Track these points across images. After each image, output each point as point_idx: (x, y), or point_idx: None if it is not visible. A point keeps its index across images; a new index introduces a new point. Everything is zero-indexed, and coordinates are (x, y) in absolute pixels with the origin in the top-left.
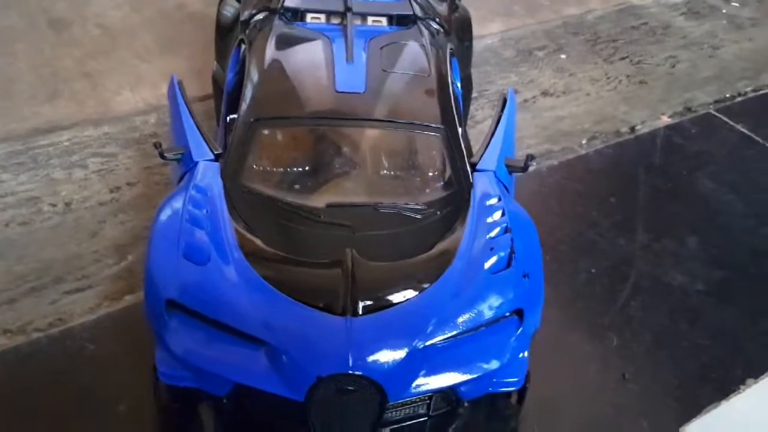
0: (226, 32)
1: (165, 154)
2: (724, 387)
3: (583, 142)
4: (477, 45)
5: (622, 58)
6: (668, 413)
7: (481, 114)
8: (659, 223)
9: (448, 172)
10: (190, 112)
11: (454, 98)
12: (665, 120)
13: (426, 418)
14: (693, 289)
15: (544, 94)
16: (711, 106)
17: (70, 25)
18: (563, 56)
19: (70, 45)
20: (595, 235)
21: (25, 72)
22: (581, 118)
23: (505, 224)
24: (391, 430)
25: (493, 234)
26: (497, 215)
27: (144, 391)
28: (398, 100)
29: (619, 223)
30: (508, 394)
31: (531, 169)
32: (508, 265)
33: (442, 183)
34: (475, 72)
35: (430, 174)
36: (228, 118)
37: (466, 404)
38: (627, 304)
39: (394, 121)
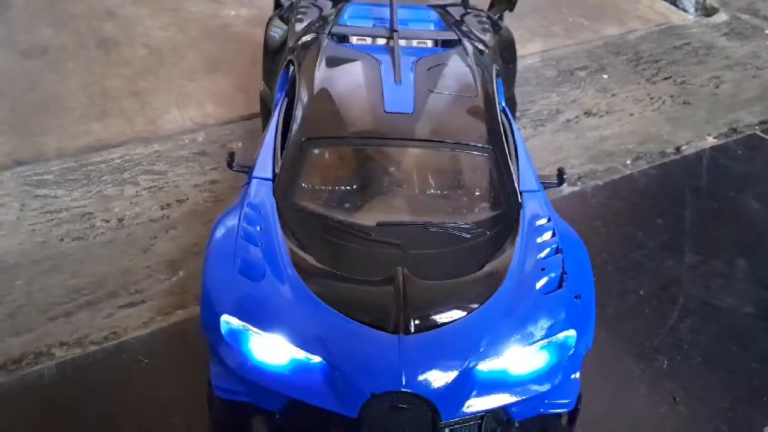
0: (273, 53)
1: (233, 166)
2: None
3: (628, 162)
4: (518, 65)
5: (665, 78)
6: None
7: (523, 133)
8: (707, 244)
9: (497, 192)
10: (276, 130)
11: (501, 118)
12: (710, 141)
13: None
14: (742, 312)
15: (587, 114)
16: (756, 127)
17: (118, 45)
18: (605, 76)
19: (118, 64)
20: (642, 257)
21: (76, 91)
22: (625, 138)
23: (555, 245)
24: None
25: (543, 254)
26: (547, 236)
27: (197, 404)
28: (446, 121)
29: (666, 245)
30: (560, 415)
31: (564, 184)
32: (560, 285)
33: (490, 203)
34: (517, 92)
35: (479, 193)
36: (276, 138)
37: (517, 425)
38: (676, 327)
39: (443, 141)
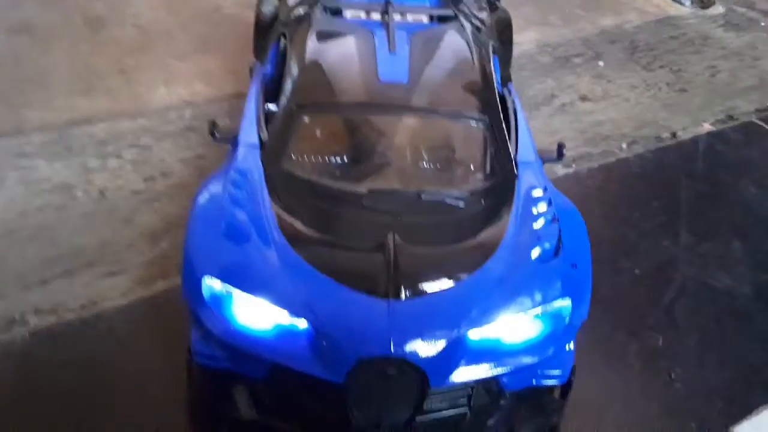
0: (264, 29)
1: (216, 134)
2: None
3: (624, 146)
4: (514, 51)
5: (662, 67)
6: (716, 414)
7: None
8: (703, 226)
9: (492, 162)
10: (257, 97)
11: (504, 93)
12: (707, 127)
13: (467, 409)
14: (739, 293)
15: (583, 98)
16: (753, 115)
17: (107, 25)
18: (601, 63)
19: (106, 43)
20: (638, 237)
21: (62, 66)
22: (621, 123)
23: (551, 215)
24: (431, 420)
25: (539, 224)
26: (543, 206)
27: (176, 373)
28: (441, 91)
29: (662, 226)
30: (552, 388)
31: (563, 158)
32: (555, 255)
33: (486, 172)
34: (512, 76)
35: (474, 163)
36: (266, 107)
37: (508, 396)
38: (672, 306)
39: (438, 111)
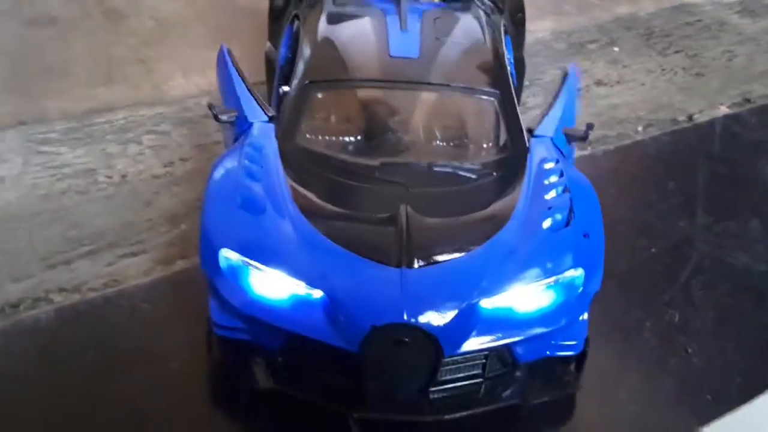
0: (278, 14)
1: (219, 116)
2: None
3: (639, 128)
4: (528, 39)
5: (677, 52)
6: (733, 388)
7: (533, 101)
8: (720, 206)
9: (504, 136)
10: (242, 78)
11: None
12: (723, 110)
13: (481, 380)
14: (757, 270)
15: (598, 83)
16: None
17: (125, 17)
18: (616, 49)
19: (125, 34)
20: (654, 217)
21: (81, 58)
22: (636, 107)
23: (563, 186)
24: (446, 390)
25: (551, 195)
26: (555, 177)
27: (196, 349)
28: (453, 66)
29: (679, 206)
30: (567, 360)
31: (590, 139)
32: (567, 224)
33: (497, 146)
34: (527, 62)
35: (485, 137)
36: (281, 90)
37: (522, 367)
38: (688, 283)
39: (449, 85)
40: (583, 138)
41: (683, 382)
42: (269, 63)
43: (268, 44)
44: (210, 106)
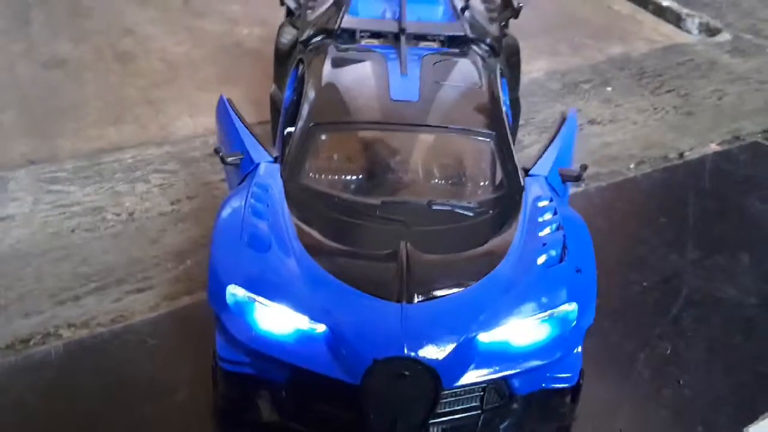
0: (284, 58)
1: (226, 159)
2: None
3: (631, 166)
4: (523, 79)
5: (669, 91)
6: (725, 418)
7: (528, 139)
8: (710, 241)
9: (500, 175)
10: (244, 123)
11: (505, 113)
12: (714, 147)
13: (479, 412)
14: (746, 303)
15: (591, 122)
16: (759, 135)
17: (135, 59)
18: (609, 89)
19: (134, 75)
20: (646, 252)
21: (92, 98)
22: (629, 144)
23: (557, 223)
24: (445, 423)
25: (545, 232)
26: (549, 215)
27: (202, 382)
28: (451, 108)
29: (670, 241)
30: (563, 392)
31: (584, 179)
32: (561, 260)
33: (493, 185)
34: (522, 102)
35: (482, 176)
36: (285, 131)
37: (519, 400)
38: (680, 316)
39: (447, 127)
40: (577, 178)
41: (676, 412)
42: (274, 104)
43: (273, 86)
44: (216, 150)
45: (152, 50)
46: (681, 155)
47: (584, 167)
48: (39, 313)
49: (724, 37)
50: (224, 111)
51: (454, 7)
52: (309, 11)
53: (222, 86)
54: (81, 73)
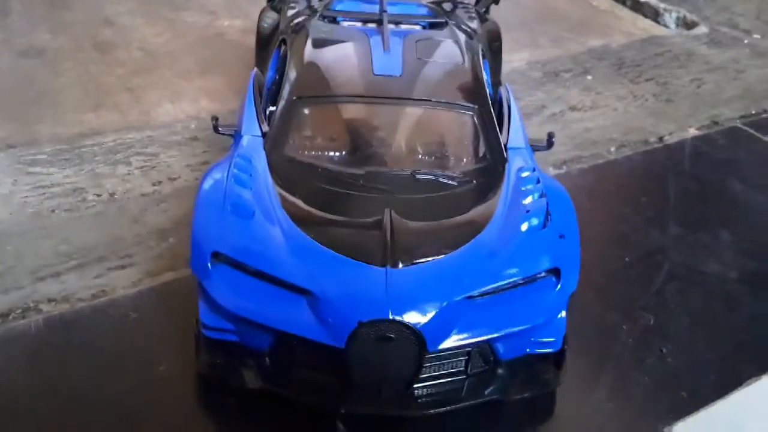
0: (265, 41)
1: (219, 128)
2: (764, 364)
3: (612, 149)
4: (504, 68)
5: (648, 80)
6: (707, 386)
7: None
8: (691, 219)
9: (483, 147)
10: (254, 97)
11: (503, 92)
12: (693, 132)
13: (464, 377)
14: (728, 277)
15: (572, 108)
16: (738, 121)
17: (114, 48)
18: (589, 77)
19: (114, 65)
20: (628, 229)
21: (72, 86)
22: (609, 130)
23: (539, 192)
24: (430, 387)
25: (528, 200)
26: (531, 185)
27: (185, 354)
28: (434, 83)
29: (651, 219)
30: (547, 358)
31: (552, 147)
32: (544, 227)
33: (476, 156)
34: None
35: (465, 149)
36: (267, 111)
37: (503, 365)
38: (662, 289)
39: (430, 100)
40: (548, 146)
41: (659, 380)
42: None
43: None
44: (213, 118)
45: (132, 41)
46: (661, 139)
47: (551, 134)
48: (18, 289)
49: (701, 30)
50: (250, 85)
51: (435, 13)
52: (290, 10)
53: (203, 75)
54: (60, 62)
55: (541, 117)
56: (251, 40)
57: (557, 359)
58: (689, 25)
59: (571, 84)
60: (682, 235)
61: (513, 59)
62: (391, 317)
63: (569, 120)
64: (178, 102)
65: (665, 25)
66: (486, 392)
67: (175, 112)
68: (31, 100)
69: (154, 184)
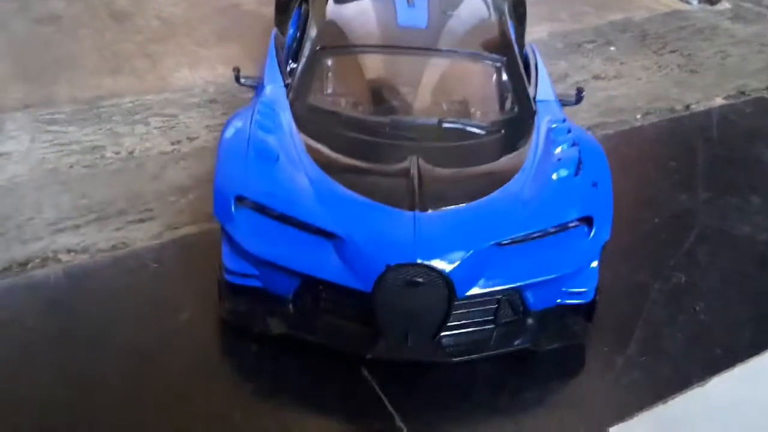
0: (284, 4)
1: (241, 79)
2: None
3: (638, 116)
4: (526, 39)
5: (672, 51)
6: (742, 342)
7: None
8: (720, 183)
9: (511, 98)
10: (277, 52)
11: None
12: (719, 101)
13: (493, 326)
14: (759, 239)
15: (596, 77)
16: (764, 92)
17: (130, 17)
18: (612, 48)
19: (130, 32)
20: (656, 192)
21: (88, 52)
22: (634, 98)
23: (571, 141)
24: (458, 336)
25: (559, 150)
26: (563, 134)
27: (207, 302)
28: (460, 36)
29: (680, 183)
30: (577, 309)
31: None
32: (576, 175)
33: (504, 107)
34: None
35: (492, 99)
36: (289, 68)
37: (533, 315)
38: (693, 250)
39: (456, 51)
40: (577, 101)
41: (692, 336)
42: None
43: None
44: (235, 69)
45: (148, 9)
46: (687, 107)
47: (581, 89)
48: (37, 240)
49: (725, 5)
50: (271, 44)
51: None
52: None
53: (220, 43)
54: (76, 29)
55: (564, 85)
56: (267, 11)
57: (588, 311)
58: (712, 1)
59: (594, 54)
60: (712, 199)
61: (534, 31)
62: (419, 261)
63: (593, 88)
64: (196, 68)
65: (687, 1)
66: (515, 342)
67: (192, 77)
68: (48, 65)
69: (173, 143)
